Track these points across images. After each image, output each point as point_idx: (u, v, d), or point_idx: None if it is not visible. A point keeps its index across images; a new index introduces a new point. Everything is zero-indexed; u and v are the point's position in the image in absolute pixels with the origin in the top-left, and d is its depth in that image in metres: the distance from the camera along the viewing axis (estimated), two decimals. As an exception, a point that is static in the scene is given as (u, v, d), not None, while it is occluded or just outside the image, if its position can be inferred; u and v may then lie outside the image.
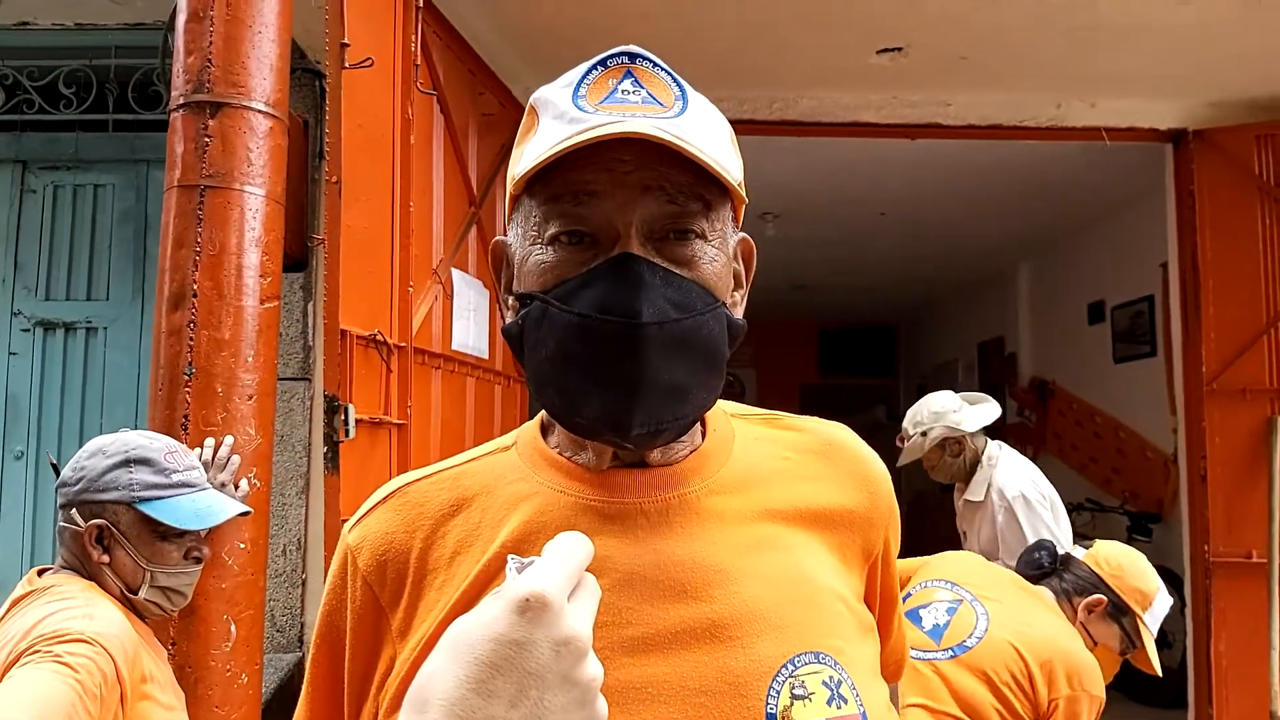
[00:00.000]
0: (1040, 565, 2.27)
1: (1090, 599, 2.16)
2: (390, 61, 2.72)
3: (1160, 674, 2.22)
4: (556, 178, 0.74)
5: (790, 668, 0.73)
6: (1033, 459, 7.62)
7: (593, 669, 0.55)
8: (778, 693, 0.71)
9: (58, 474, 1.65)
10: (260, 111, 2.25)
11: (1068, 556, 2.27)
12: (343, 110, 2.40)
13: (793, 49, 3.89)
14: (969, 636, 2.01)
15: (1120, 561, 2.21)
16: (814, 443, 0.87)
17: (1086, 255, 6.88)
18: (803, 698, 0.72)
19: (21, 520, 3.82)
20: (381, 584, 0.79)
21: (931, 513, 8.14)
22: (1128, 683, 5.53)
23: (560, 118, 0.74)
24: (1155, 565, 6.00)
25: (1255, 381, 4.18)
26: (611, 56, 0.76)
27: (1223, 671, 4.10)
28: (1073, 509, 6.21)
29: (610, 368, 0.71)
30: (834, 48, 3.88)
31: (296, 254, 3.59)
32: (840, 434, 0.89)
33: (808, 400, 10.66)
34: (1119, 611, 2.16)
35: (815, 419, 0.90)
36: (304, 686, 0.85)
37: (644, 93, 0.75)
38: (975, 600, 2.08)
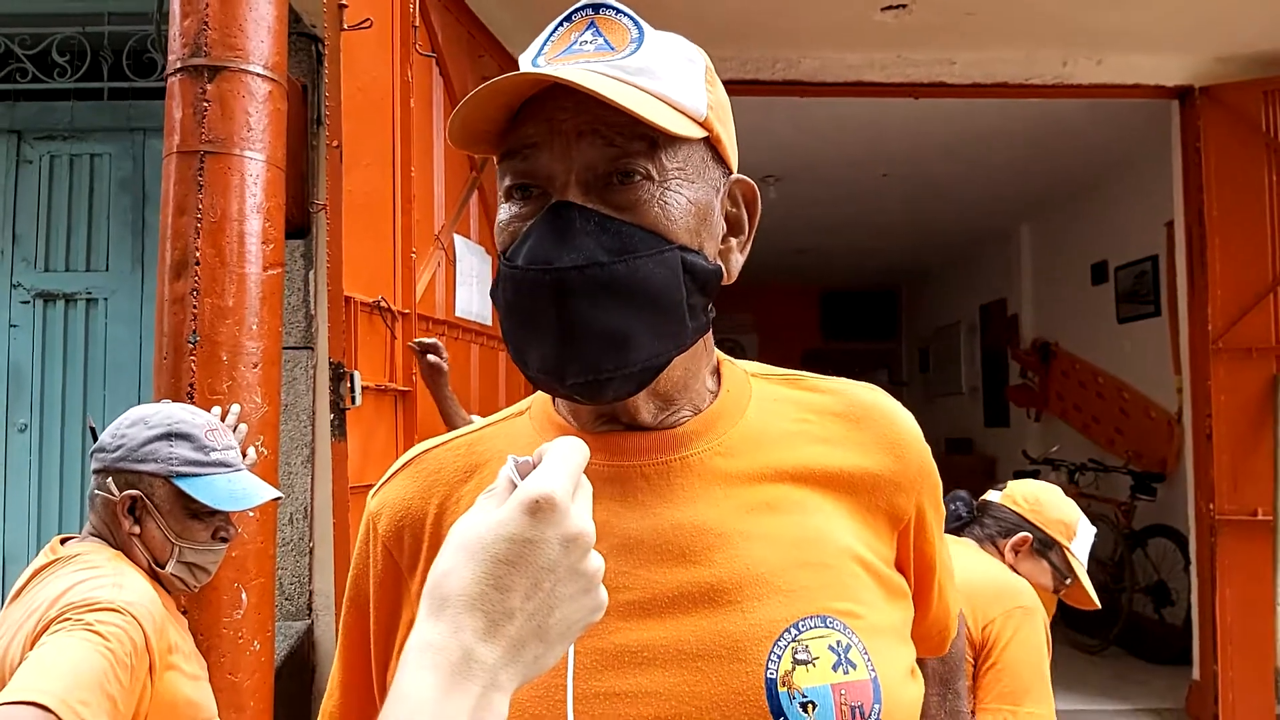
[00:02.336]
0: (959, 516, 2.22)
1: (1015, 539, 2.12)
2: (389, 23, 2.68)
3: (1099, 606, 2.18)
4: (509, 135, 0.74)
5: (794, 632, 0.71)
6: (1035, 420, 7.68)
7: (596, 561, 0.59)
8: (779, 657, 0.70)
9: (95, 438, 1.64)
10: (259, 75, 2.22)
11: (984, 502, 2.22)
12: (342, 73, 2.36)
13: (796, 8, 3.84)
14: None
15: (1037, 495, 2.16)
16: (838, 405, 0.83)
17: (1089, 215, 6.84)
18: (806, 663, 0.70)
19: (26, 492, 3.82)
20: (400, 549, 0.81)
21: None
22: (1132, 640, 5.58)
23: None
24: (1159, 524, 6.02)
25: (1261, 340, 4.16)
26: (577, 10, 0.76)
27: (1227, 628, 4.12)
28: (1076, 469, 6.23)
29: (539, 317, 0.71)
30: (837, 6, 3.83)
31: (297, 221, 3.56)
32: (870, 396, 0.85)
33: (809, 365, 10.43)
34: (1045, 546, 2.12)
35: (847, 380, 0.87)
36: (337, 648, 0.87)
37: (601, 40, 0.74)
38: None
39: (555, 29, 0.76)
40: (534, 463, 0.61)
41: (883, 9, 3.84)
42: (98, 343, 3.87)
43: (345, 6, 2.36)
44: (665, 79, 0.74)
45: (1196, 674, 4.41)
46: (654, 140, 0.72)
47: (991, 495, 2.23)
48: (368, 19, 2.42)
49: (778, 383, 0.86)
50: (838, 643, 0.71)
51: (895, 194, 6.88)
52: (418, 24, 2.83)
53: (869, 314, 11.23)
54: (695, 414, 0.80)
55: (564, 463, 0.60)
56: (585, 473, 0.76)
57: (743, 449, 0.79)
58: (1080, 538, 2.13)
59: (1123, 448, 6.31)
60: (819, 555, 0.75)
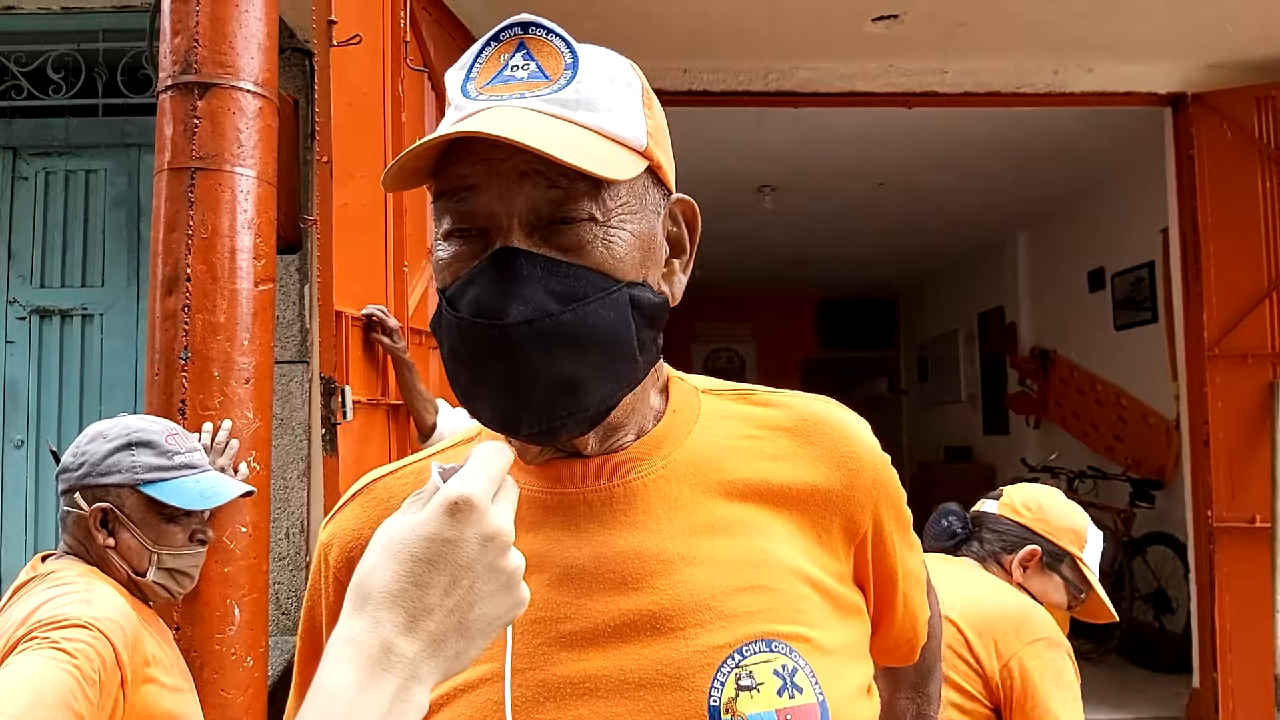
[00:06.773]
0: (953, 533, 1.97)
1: (1022, 553, 1.89)
2: (379, 38, 2.69)
3: (1117, 618, 1.97)
4: (442, 173, 0.71)
5: (737, 658, 0.70)
6: (1035, 428, 7.67)
7: (515, 559, 0.61)
8: (722, 684, 0.69)
9: (58, 461, 1.63)
10: (249, 91, 2.23)
11: (980, 514, 1.98)
12: (332, 88, 2.37)
13: (787, 18, 3.85)
14: None
15: (1040, 502, 1.94)
16: (787, 419, 0.81)
17: (1086, 222, 6.84)
18: (750, 689, 0.69)
19: (23, 509, 3.82)
20: (351, 579, 0.81)
21: (937, 483, 8.14)
22: (1132, 648, 5.56)
23: (452, 108, 0.73)
24: (1159, 532, 5.99)
25: (1257, 346, 4.16)
26: (505, 29, 0.73)
27: (1226, 635, 4.10)
28: (1075, 477, 6.21)
29: (488, 370, 0.70)
30: (829, 16, 3.84)
31: (290, 236, 3.56)
32: (821, 409, 0.83)
33: (808, 374, 10.61)
34: (1055, 559, 1.90)
35: (798, 394, 0.85)
36: (293, 679, 0.87)
37: (533, 66, 0.71)
38: None
39: (483, 49, 0.73)
40: (459, 468, 0.63)
41: (874, 19, 3.85)
42: (94, 358, 3.87)
43: (335, 23, 2.37)
44: (604, 111, 0.72)
45: (1196, 681, 4.39)
46: (598, 180, 0.69)
47: (986, 505, 2.00)
48: (357, 35, 2.43)
49: (728, 398, 0.84)
50: (783, 667, 0.70)
51: (891, 203, 6.88)
52: (408, 38, 2.84)
53: (867, 323, 11.22)
54: (639, 436, 0.79)
55: (485, 466, 0.61)
56: (533, 502, 0.76)
57: (688, 470, 0.78)
58: (1091, 544, 1.92)
59: (1122, 455, 6.30)
60: (765, 578, 0.74)
